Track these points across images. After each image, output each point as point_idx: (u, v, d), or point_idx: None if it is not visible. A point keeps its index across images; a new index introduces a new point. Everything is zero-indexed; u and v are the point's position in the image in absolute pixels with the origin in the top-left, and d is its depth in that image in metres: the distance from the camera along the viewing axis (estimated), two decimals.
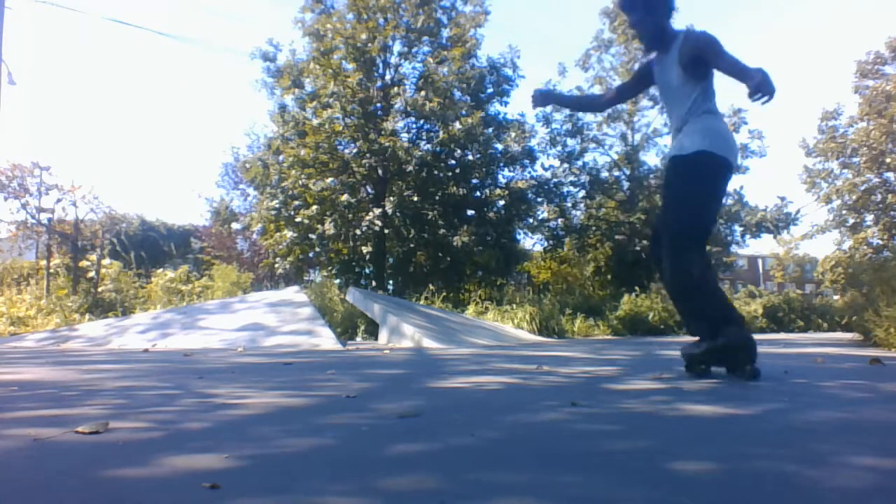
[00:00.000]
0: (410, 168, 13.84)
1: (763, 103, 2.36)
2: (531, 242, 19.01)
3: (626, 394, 2.17)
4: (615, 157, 19.78)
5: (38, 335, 6.83)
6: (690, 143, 2.73)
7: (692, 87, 2.77)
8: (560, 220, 18.88)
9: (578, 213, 19.73)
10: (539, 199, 17.59)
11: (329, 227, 13.93)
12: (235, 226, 19.01)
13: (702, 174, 2.71)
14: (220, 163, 23.77)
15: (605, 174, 19.66)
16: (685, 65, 2.74)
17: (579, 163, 19.25)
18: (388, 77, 15.31)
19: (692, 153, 2.71)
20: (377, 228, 13.98)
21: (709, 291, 2.69)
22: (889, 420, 1.67)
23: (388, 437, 1.36)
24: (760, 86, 2.29)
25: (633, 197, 19.17)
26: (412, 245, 15.03)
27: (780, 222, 19.00)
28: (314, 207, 14.01)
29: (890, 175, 22.55)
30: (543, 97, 3.28)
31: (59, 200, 12.38)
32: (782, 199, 19.36)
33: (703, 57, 2.70)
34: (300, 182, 14.24)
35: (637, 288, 14.28)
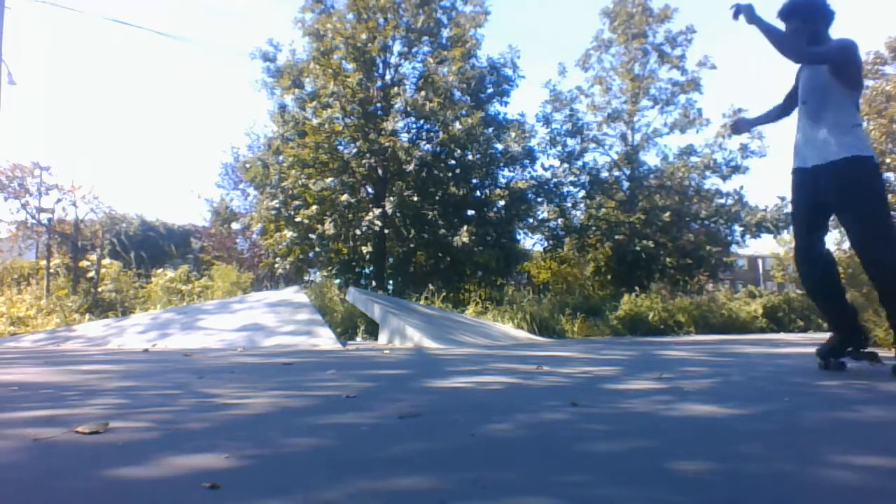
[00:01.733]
0: (410, 168, 13.82)
1: None
2: (531, 242, 19.02)
3: (626, 394, 2.17)
4: (615, 157, 19.77)
5: (36, 336, 6.82)
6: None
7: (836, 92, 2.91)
8: (560, 220, 18.88)
9: (578, 213, 19.73)
10: (539, 199, 17.59)
11: (329, 227, 13.92)
12: (235, 226, 19.00)
13: None
14: (220, 163, 23.76)
15: (605, 174, 19.65)
16: (832, 71, 2.87)
17: (579, 163, 19.25)
18: (388, 77, 15.31)
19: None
20: (377, 228, 13.97)
21: None
22: (889, 420, 1.67)
23: (388, 437, 1.36)
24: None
25: (633, 197, 19.15)
26: (412, 245, 15.02)
27: (780, 222, 18.92)
28: (314, 207, 13.99)
29: (890, 175, 22.51)
30: (740, 127, 3.55)
31: (59, 200, 12.36)
32: (782, 199, 19.26)
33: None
34: (300, 182, 14.23)
35: (637, 288, 14.26)
